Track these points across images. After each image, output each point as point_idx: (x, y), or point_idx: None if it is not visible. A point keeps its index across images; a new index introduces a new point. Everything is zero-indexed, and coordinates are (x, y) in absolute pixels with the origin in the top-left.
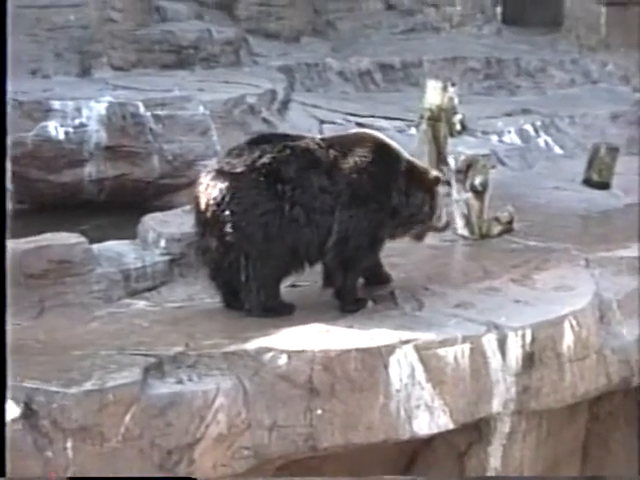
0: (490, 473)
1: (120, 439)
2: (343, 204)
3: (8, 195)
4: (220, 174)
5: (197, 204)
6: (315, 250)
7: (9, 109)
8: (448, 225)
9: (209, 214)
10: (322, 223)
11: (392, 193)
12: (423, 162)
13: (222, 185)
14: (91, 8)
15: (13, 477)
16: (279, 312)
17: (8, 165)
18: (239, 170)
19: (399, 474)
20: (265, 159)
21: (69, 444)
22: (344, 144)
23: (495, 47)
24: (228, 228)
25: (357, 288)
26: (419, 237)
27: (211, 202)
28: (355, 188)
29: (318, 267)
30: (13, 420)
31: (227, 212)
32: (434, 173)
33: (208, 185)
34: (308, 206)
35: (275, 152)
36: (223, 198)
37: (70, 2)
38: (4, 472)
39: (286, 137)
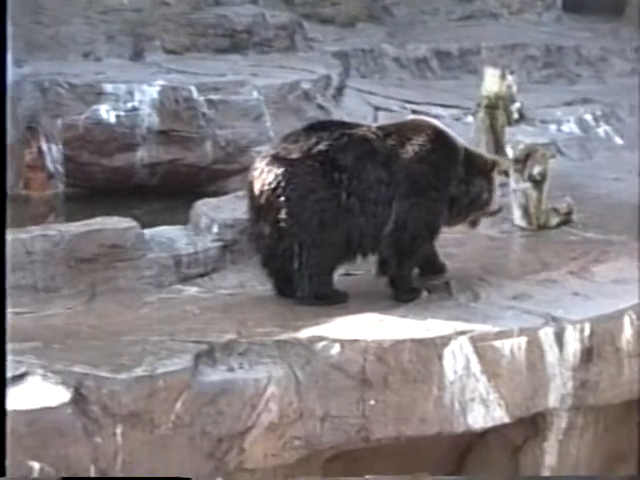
0: (545, 469)
1: (170, 426)
2: (402, 194)
3: (59, 178)
4: (276, 160)
5: (251, 190)
6: (369, 240)
7: (62, 91)
8: (500, 210)
9: (263, 200)
10: (377, 213)
11: (452, 182)
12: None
13: (277, 171)
14: None
15: (13, 477)
16: (332, 300)
17: (60, 148)
18: (295, 156)
19: (451, 468)
20: (322, 146)
21: (118, 430)
22: (402, 133)
23: (555, 34)
24: (282, 215)
25: (412, 278)
26: (474, 223)
27: (266, 188)
28: (415, 178)
29: (372, 256)
30: (62, 405)
31: (282, 198)
32: (491, 158)
33: (263, 170)
34: (364, 196)
35: (332, 140)
36: (278, 184)
37: None
38: (4, 472)
39: (343, 124)
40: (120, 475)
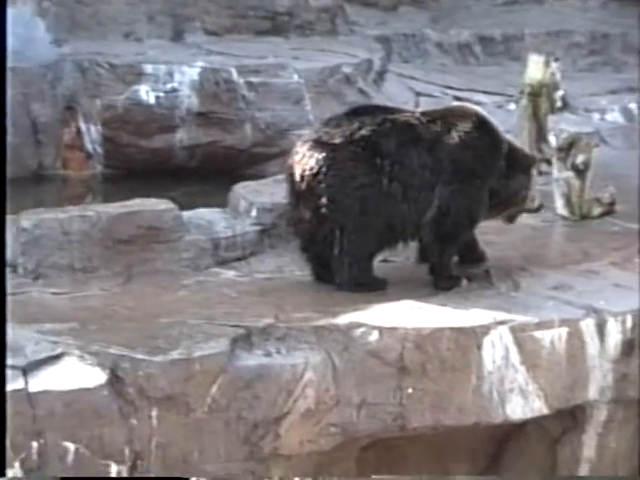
0: (584, 463)
1: (206, 410)
2: (445, 180)
3: (97, 159)
4: (317, 144)
5: (291, 174)
6: (411, 227)
7: (101, 71)
8: (541, 207)
9: (304, 185)
10: (420, 200)
11: (494, 172)
12: (522, 139)
13: (319, 155)
14: None
15: (15, 476)
16: (371, 287)
17: (99, 128)
18: (337, 141)
19: (488, 459)
20: (364, 131)
21: (154, 413)
22: (447, 119)
23: (600, 21)
24: (324, 200)
25: (452, 265)
26: (511, 219)
27: (307, 172)
28: (459, 164)
29: (412, 243)
30: (98, 386)
31: (323, 183)
32: (532, 155)
33: (304, 155)
34: (406, 182)
35: (375, 125)
36: (320, 169)
37: None
38: (4, 472)
39: (386, 110)
40: (154, 458)
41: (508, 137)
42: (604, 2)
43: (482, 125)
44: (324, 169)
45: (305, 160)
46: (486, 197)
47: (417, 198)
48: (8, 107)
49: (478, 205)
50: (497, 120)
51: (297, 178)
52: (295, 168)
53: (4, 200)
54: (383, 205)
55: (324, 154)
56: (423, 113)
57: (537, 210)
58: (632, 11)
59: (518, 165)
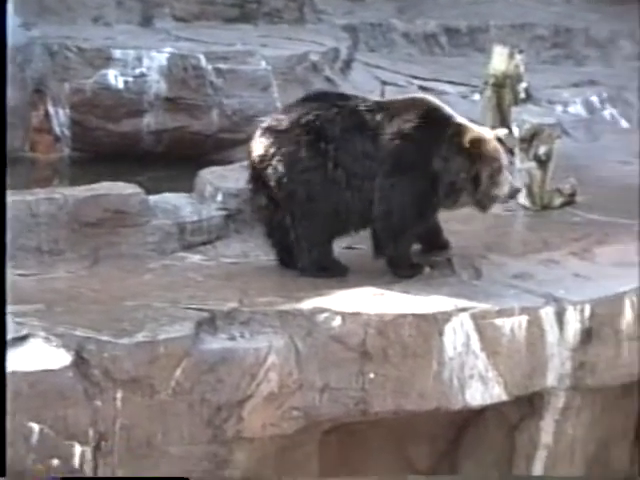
0: (541, 449)
1: (170, 392)
2: (385, 171)
3: (65, 142)
4: (267, 130)
5: (249, 160)
6: (357, 216)
7: (70, 55)
8: (515, 194)
9: (257, 171)
10: (364, 189)
11: (434, 159)
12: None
13: (267, 141)
14: None
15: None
16: (332, 272)
17: (67, 111)
18: (284, 127)
19: (447, 444)
20: (310, 116)
21: (119, 395)
22: (395, 108)
23: (564, 15)
24: (273, 185)
25: (410, 254)
26: (483, 207)
27: (257, 159)
28: (397, 155)
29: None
30: (63, 368)
31: (270, 169)
32: (474, 134)
33: (256, 141)
34: (350, 169)
35: (321, 110)
36: (266, 154)
37: None
38: (4, 472)
39: (341, 96)
40: (118, 439)
41: (462, 121)
42: None
43: (426, 113)
44: (271, 154)
45: (256, 146)
46: (429, 187)
47: (360, 186)
48: None
49: (421, 197)
50: (460, 110)
51: (252, 164)
52: (251, 154)
53: (4, 194)
54: (329, 191)
55: (271, 140)
56: (377, 102)
57: (509, 197)
58: (595, 6)
59: (458, 147)
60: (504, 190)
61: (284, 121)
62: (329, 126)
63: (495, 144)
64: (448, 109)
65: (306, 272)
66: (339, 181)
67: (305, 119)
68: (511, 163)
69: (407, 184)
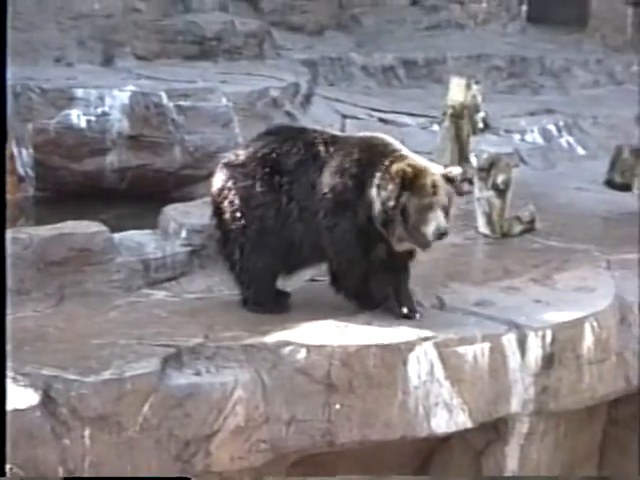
0: (507, 474)
1: (137, 429)
2: (326, 208)
3: (30, 182)
4: (225, 165)
5: (210, 195)
6: (311, 249)
7: (33, 96)
8: (441, 237)
9: (216, 205)
10: (314, 222)
11: (369, 190)
12: (444, 160)
13: (225, 176)
14: None
15: (14, 475)
16: (268, 308)
17: (30, 152)
18: (241, 161)
19: (415, 473)
20: (266, 149)
21: (87, 433)
22: (346, 143)
23: (519, 45)
24: (227, 219)
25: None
26: (418, 243)
27: (215, 193)
28: (337, 192)
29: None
30: (31, 407)
31: (226, 203)
32: (402, 165)
33: (216, 176)
34: (303, 202)
35: (278, 143)
36: (223, 188)
37: None
38: (4, 472)
39: (301, 130)
40: (88, 475)
41: (403, 153)
42: (523, 27)
43: (372, 150)
44: (227, 188)
45: (216, 181)
46: (369, 220)
47: (312, 220)
48: None
49: (362, 233)
50: (419, 141)
51: (211, 199)
52: (211, 189)
53: (4, 209)
54: (281, 225)
55: (229, 174)
56: (332, 135)
57: (438, 238)
58: (549, 36)
59: (387, 178)
60: (431, 228)
61: (241, 156)
62: (284, 159)
63: (435, 180)
64: (399, 146)
65: (245, 306)
66: (292, 214)
67: (261, 152)
68: (451, 206)
69: (347, 224)
